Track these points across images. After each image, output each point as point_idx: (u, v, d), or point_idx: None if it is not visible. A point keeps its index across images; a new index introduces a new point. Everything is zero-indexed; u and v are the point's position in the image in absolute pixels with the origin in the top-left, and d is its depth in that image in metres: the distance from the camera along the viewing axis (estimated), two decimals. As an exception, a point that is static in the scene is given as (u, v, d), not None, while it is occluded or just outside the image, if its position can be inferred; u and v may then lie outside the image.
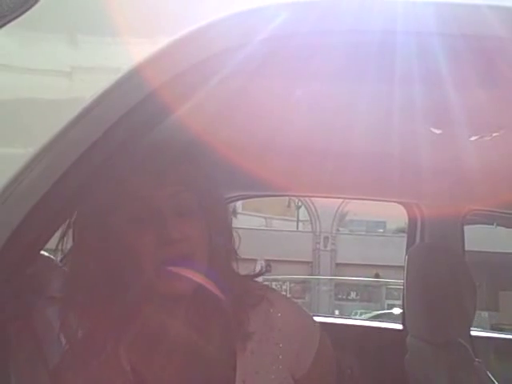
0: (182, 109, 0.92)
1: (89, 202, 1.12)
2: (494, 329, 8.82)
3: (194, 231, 1.12)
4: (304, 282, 17.05)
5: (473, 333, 2.42)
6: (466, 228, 2.66)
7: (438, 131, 1.68)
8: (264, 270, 1.27)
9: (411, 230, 2.72)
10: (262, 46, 0.86)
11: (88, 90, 0.83)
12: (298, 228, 19.47)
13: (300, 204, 18.49)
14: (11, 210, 0.81)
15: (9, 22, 0.86)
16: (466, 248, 2.66)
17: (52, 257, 1.76)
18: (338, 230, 18.60)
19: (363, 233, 18.94)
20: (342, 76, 1.13)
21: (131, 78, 0.83)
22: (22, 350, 1.38)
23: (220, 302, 1.13)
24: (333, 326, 2.72)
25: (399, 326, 2.69)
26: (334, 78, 1.17)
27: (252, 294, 1.18)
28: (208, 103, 0.95)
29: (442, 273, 2.14)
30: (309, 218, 18.70)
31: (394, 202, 2.80)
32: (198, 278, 1.11)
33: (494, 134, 1.63)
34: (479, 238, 3.88)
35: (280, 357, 1.17)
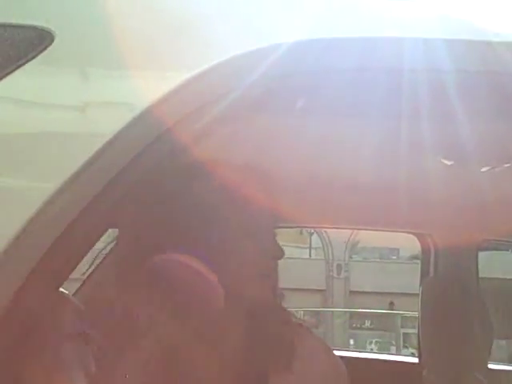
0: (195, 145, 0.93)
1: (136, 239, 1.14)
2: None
3: None
4: (317, 312, 16.87)
5: (491, 366, 2.38)
6: (481, 254, 2.63)
7: (449, 162, 1.68)
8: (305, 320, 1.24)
9: (425, 260, 2.70)
10: (265, 85, 0.87)
11: (105, 125, 0.84)
12: (310, 255, 19.34)
13: (312, 231, 18.40)
14: (34, 244, 0.82)
15: (25, 63, 0.87)
16: (482, 275, 2.63)
17: (66, 292, 1.76)
18: (351, 258, 18.45)
19: (377, 260, 18.78)
20: (350, 112, 1.14)
21: (146, 116, 0.83)
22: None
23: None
24: (346, 359, 2.68)
25: (415, 360, 2.65)
26: (342, 114, 1.18)
27: (291, 343, 1.15)
28: (215, 142, 0.96)
29: (456, 306, 2.11)
30: (321, 245, 18.58)
31: (407, 232, 2.79)
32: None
33: (506, 165, 1.63)
34: (494, 264, 3.84)
35: None
